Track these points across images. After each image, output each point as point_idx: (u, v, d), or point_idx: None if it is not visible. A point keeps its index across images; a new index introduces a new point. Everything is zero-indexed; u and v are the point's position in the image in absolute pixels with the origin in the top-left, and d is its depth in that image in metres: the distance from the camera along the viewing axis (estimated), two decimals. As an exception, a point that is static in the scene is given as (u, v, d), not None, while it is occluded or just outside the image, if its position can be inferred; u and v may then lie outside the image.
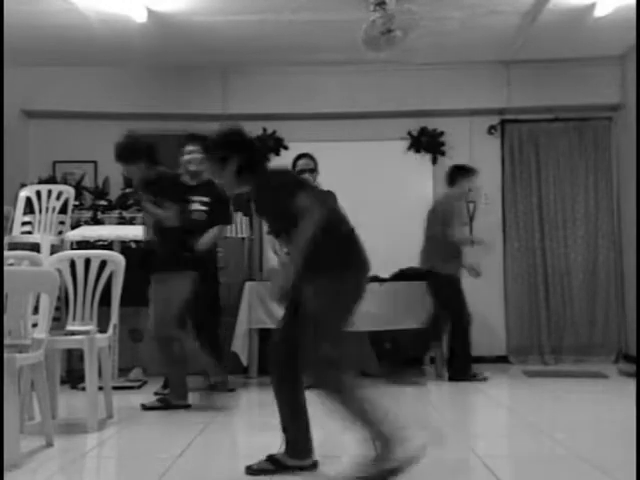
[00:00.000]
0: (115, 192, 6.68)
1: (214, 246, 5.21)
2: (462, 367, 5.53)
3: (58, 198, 5.52)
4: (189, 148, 5.03)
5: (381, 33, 5.07)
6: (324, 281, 2.79)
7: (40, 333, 3.35)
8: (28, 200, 5.57)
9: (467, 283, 6.63)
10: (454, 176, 5.82)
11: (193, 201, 4.97)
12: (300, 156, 5.44)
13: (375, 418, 2.72)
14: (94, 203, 6.50)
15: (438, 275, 5.60)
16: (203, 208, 5.05)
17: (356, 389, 2.77)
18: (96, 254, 4.21)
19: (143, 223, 4.79)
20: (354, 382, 2.78)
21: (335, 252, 2.83)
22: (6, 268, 3.31)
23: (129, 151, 4.47)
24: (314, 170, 5.36)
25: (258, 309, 5.71)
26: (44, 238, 5.17)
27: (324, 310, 2.76)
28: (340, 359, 2.78)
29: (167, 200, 4.38)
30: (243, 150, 2.98)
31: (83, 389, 4.08)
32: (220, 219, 5.10)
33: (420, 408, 4.66)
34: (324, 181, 5.54)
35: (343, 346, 2.83)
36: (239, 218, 6.35)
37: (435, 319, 5.65)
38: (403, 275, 6.11)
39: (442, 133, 6.95)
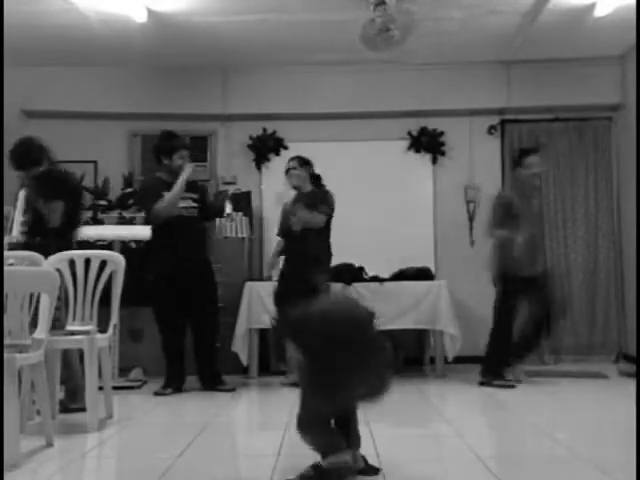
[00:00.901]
0: (115, 192, 6.68)
1: (205, 246, 5.26)
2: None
3: (58, 198, 5.51)
4: (184, 153, 5.16)
5: (379, 31, 5.08)
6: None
7: (40, 333, 3.34)
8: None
9: (467, 283, 6.66)
10: (519, 157, 5.55)
11: (184, 198, 5.10)
12: (292, 158, 5.58)
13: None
14: (94, 203, 6.50)
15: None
16: (195, 205, 5.15)
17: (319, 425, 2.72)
18: (96, 254, 4.21)
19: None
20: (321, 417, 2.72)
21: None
22: (6, 268, 3.31)
23: (26, 156, 4.46)
24: (295, 169, 5.45)
25: (258, 309, 5.72)
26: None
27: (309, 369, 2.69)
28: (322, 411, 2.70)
29: (55, 199, 4.38)
30: None
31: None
32: (215, 213, 5.37)
33: (421, 408, 4.67)
34: (324, 181, 5.56)
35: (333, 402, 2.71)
36: (239, 218, 6.36)
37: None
38: (403, 275, 6.11)
39: (442, 133, 6.95)
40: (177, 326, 5.10)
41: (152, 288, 5.10)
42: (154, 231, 5.18)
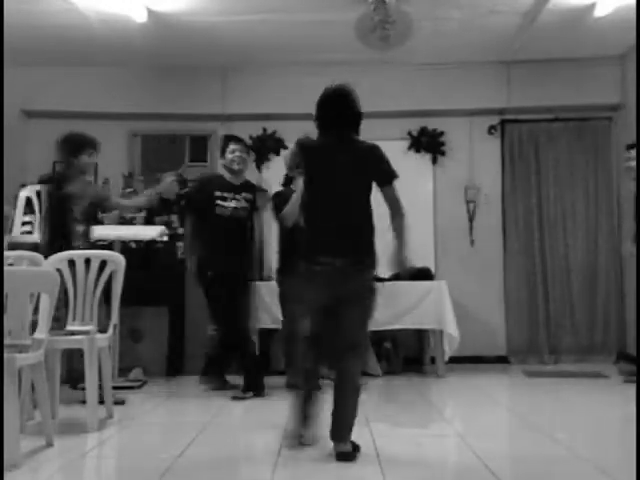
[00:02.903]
0: (115, 192, 6.67)
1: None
2: None
3: (58, 198, 5.51)
4: (232, 147, 5.13)
5: (375, 28, 5.08)
6: None
7: (40, 333, 3.35)
8: (28, 200, 5.56)
9: (467, 283, 6.67)
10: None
11: (237, 198, 5.08)
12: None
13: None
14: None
15: None
16: (246, 205, 5.14)
17: None
18: (96, 254, 4.21)
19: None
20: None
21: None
22: (6, 268, 3.31)
23: None
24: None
25: (258, 309, 5.71)
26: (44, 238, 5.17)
27: None
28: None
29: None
30: None
31: (83, 389, 4.08)
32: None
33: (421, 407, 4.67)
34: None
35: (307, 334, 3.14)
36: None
37: None
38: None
39: (442, 133, 6.95)
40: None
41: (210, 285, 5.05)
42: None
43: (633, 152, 5.41)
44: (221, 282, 4.94)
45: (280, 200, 4.97)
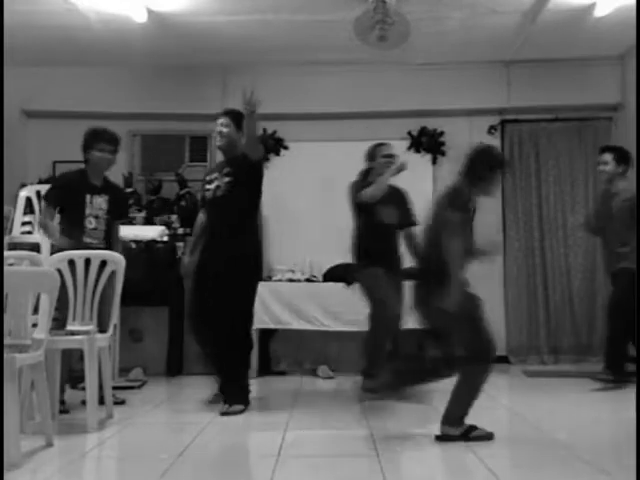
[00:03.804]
0: (115, 192, 6.67)
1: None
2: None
3: (58, 198, 5.51)
4: (217, 121, 4.47)
5: (374, 25, 5.08)
6: None
7: (40, 333, 3.34)
8: (28, 200, 5.57)
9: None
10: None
11: (218, 178, 4.41)
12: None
13: None
14: (94, 203, 6.48)
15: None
16: (229, 179, 4.36)
17: None
18: (96, 254, 4.21)
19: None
20: None
21: None
22: (6, 268, 3.31)
23: None
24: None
25: (258, 309, 5.71)
26: (44, 238, 5.17)
27: None
28: None
29: None
30: None
31: (83, 389, 4.08)
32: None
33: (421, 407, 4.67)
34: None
35: None
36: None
37: None
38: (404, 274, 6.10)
39: (442, 133, 6.95)
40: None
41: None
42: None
43: (605, 156, 5.38)
44: (203, 271, 4.38)
45: (358, 189, 4.99)
